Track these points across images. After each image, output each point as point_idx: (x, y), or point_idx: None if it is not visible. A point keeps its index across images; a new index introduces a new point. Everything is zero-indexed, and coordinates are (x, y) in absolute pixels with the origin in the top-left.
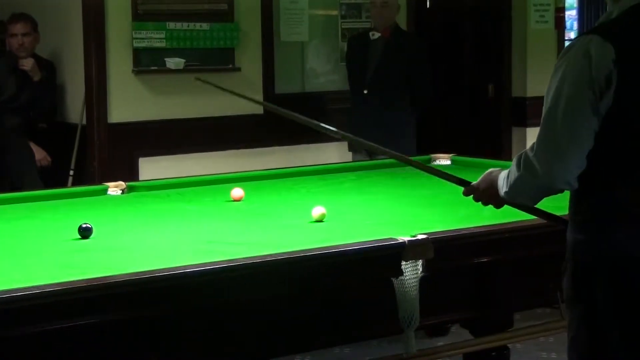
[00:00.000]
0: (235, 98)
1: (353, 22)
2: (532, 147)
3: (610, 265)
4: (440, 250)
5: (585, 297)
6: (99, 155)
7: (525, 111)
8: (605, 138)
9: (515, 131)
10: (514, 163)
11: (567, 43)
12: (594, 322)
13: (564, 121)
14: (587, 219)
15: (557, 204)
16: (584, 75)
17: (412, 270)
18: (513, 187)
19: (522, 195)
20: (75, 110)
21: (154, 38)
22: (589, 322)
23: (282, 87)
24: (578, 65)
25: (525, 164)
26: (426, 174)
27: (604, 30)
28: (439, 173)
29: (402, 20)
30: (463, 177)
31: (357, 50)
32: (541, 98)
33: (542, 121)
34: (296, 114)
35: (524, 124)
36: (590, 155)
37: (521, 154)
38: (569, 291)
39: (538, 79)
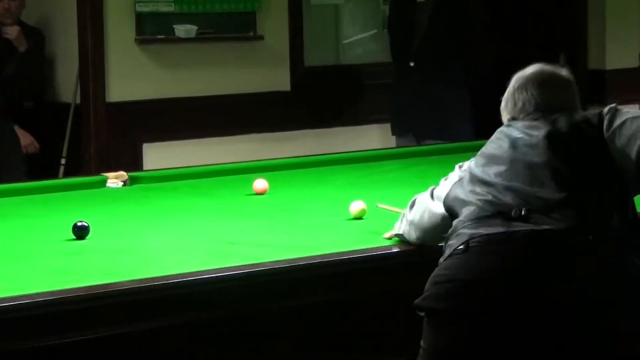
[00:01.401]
0: (257, 71)
1: None
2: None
3: None
4: None
5: None
6: (95, 141)
7: (604, 86)
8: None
9: None
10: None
11: None
12: None
13: None
14: None
15: None
16: None
17: None
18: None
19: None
20: (67, 87)
21: (161, 1)
22: None
23: (312, 58)
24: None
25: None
26: None
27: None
28: None
29: None
30: None
31: (401, 15)
32: (623, 70)
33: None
34: None
35: (603, 101)
36: None
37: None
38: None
39: (619, 48)
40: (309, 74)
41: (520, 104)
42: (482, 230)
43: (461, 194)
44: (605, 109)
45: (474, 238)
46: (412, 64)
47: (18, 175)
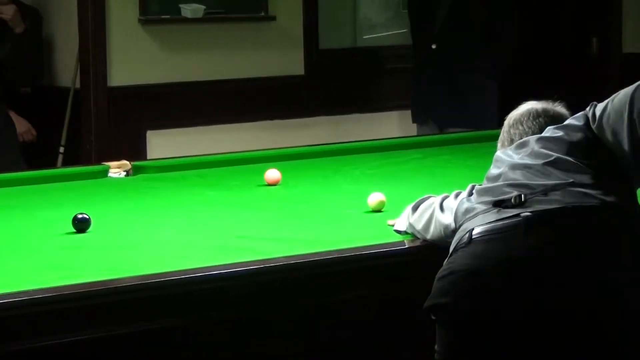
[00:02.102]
0: (269, 54)
1: None
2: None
3: None
4: None
5: None
6: (96, 128)
7: (639, 70)
8: None
9: None
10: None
11: None
12: None
13: None
14: None
15: None
16: None
17: None
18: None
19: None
20: (66, 70)
21: None
22: None
23: (328, 41)
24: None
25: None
26: None
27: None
28: None
29: None
30: None
31: None
32: None
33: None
34: None
35: None
36: None
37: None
38: None
39: None
40: (324, 57)
41: (517, 138)
42: (485, 221)
43: (467, 205)
44: (587, 108)
45: (477, 228)
46: (434, 47)
47: (14, 165)
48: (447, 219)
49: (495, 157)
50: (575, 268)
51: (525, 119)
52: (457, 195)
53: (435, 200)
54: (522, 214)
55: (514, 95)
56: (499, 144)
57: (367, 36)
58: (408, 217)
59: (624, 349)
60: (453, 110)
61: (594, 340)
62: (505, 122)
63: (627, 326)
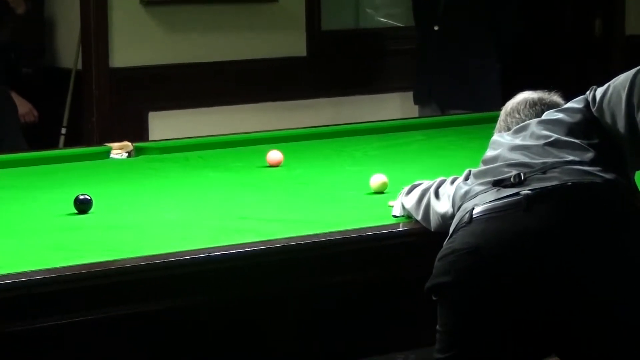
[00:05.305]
0: (271, 36)
1: None
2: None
3: None
4: None
5: None
6: (98, 109)
7: None
8: None
9: None
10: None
11: None
12: None
13: None
14: None
15: None
16: None
17: None
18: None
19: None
20: (68, 51)
21: None
22: None
23: (330, 22)
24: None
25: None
26: None
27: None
28: None
29: None
30: None
31: None
32: None
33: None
34: None
35: None
36: None
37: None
38: None
39: None
40: (327, 39)
41: (513, 127)
42: (485, 200)
43: (465, 189)
44: (587, 92)
45: (477, 207)
46: (436, 28)
47: (15, 146)
48: (444, 206)
49: (491, 140)
50: (576, 244)
51: (522, 107)
52: (453, 181)
53: (431, 187)
54: (522, 192)
55: (516, 77)
56: (495, 132)
57: (369, 10)
58: (404, 205)
59: (627, 323)
60: (455, 92)
61: (596, 316)
62: (502, 111)
63: (629, 300)
